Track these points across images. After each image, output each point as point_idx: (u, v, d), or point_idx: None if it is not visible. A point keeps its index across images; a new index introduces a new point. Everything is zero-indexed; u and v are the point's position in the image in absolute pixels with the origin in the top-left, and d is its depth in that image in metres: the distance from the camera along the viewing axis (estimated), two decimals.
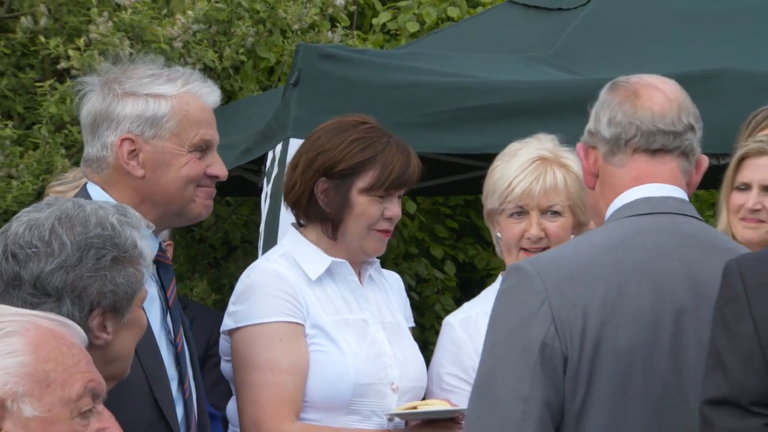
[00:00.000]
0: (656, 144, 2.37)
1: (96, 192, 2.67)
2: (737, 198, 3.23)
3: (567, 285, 2.31)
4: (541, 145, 3.09)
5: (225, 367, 3.02)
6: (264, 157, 3.43)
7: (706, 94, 3.44)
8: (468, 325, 3.10)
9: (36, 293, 2.18)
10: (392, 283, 3.18)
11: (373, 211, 2.91)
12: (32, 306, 2.14)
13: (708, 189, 6.88)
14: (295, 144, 3.29)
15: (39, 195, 5.03)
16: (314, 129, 3.18)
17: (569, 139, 3.16)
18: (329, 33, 5.51)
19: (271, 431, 2.86)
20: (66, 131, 4.98)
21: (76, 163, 5.12)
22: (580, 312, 2.28)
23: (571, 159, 3.05)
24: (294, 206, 3.00)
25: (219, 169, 2.72)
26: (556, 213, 3.04)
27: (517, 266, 2.43)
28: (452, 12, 6.46)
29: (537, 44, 4.37)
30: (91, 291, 2.19)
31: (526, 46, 4.40)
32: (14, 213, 4.83)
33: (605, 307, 2.29)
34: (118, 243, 2.22)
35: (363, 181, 2.89)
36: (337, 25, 5.73)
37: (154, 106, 2.64)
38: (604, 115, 2.41)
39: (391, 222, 2.98)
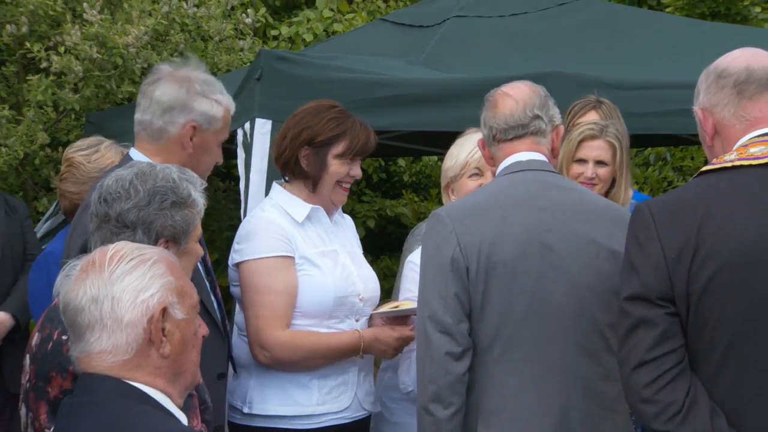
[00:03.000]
0: (510, 135, 2.76)
1: (137, 156, 3.01)
2: (576, 168, 3.56)
3: (466, 219, 2.65)
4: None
5: (234, 291, 3.27)
6: (234, 133, 3.72)
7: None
8: None
9: (118, 226, 2.42)
10: (348, 222, 3.48)
11: (342, 171, 3.23)
12: (116, 235, 2.42)
13: None
14: (260, 122, 3.68)
15: (25, 157, 5.46)
16: (273, 111, 3.64)
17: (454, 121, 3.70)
18: (241, 42, 6.07)
19: (268, 337, 3.12)
20: (43, 111, 5.40)
21: (51, 135, 5.56)
22: (476, 237, 2.62)
23: None
24: (283, 167, 3.28)
25: (221, 157, 3.14)
26: None
27: (434, 213, 2.75)
28: (337, 27, 7.09)
29: (407, 51, 4.72)
30: (156, 224, 2.42)
31: (400, 52, 4.75)
32: (4, 173, 5.24)
33: (492, 232, 2.62)
34: (177, 192, 2.47)
35: (337, 149, 3.20)
36: (245, 36, 6.24)
37: (216, 109, 3.03)
38: (482, 116, 2.87)
39: (352, 179, 3.28)
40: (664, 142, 7.06)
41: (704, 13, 8.17)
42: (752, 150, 2.25)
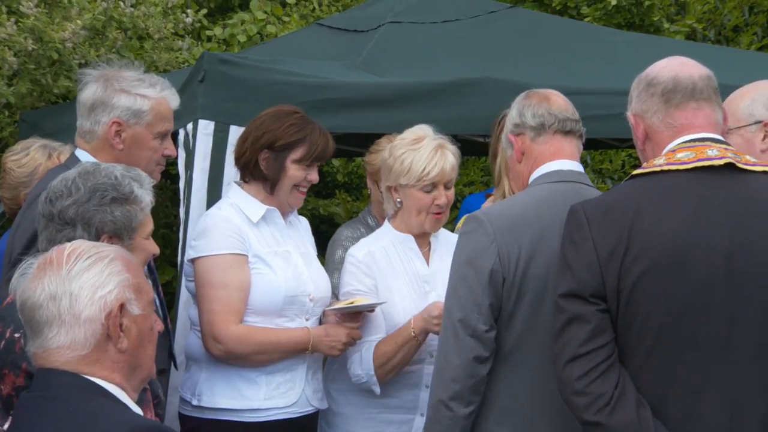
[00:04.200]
0: (567, 126, 2.73)
1: (83, 156, 3.03)
2: None
3: (507, 231, 2.60)
4: (431, 134, 3.38)
5: (189, 285, 3.31)
6: (175, 133, 3.66)
7: (475, 94, 4.01)
8: (369, 258, 3.37)
9: (60, 223, 2.46)
10: (303, 224, 3.52)
11: (299, 175, 3.25)
12: (59, 232, 2.45)
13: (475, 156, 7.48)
14: (203, 123, 3.67)
15: None
16: (216, 112, 3.66)
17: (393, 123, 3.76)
18: (180, 42, 5.99)
19: (222, 331, 3.13)
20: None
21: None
22: (516, 250, 2.58)
23: (450, 145, 3.38)
24: (243, 169, 3.30)
25: (171, 150, 3.17)
26: (450, 185, 3.37)
27: (475, 216, 2.68)
28: (270, 29, 7.05)
29: (344, 55, 4.72)
30: (95, 220, 2.45)
31: (336, 56, 4.74)
32: None
33: (531, 246, 2.59)
34: (118, 188, 2.50)
35: (295, 154, 3.24)
36: (183, 35, 6.22)
37: (141, 103, 3.03)
38: (528, 111, 2.76)
39: (309, 184, 3.30)
40: (585, 146, 7.20)
41: (620, 23, 8.40)
42: (679, 155, 2.35)
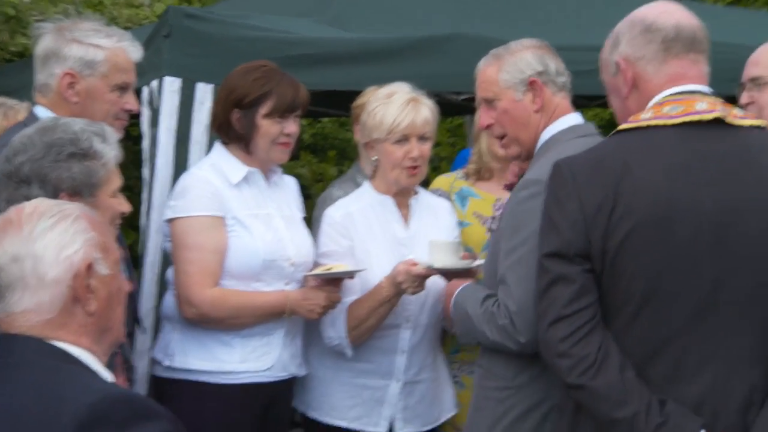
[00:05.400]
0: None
1: (42, 111, 2.93)
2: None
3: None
4: (406, 89, 3.33)
5: (166, 246, 3.25)
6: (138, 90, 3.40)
7: (448, 51, 3.93)
8: (347, 219, 3.33)
9: (17, 181, 2.39)
10: (290, 184, 3.42)
11: (274, 130, 3.16)
12: (16, 191, 2.37)
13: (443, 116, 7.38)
14: (168, 80, 3.54)
15: None
16: (182, 69, 3.52)
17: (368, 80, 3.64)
18: None
19: (196, 294, 3.09)
20: None
21: None
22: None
23: (426, 100, 3.33)
24: (218, 131, 3.24)
25: (133, 104, 3.03)
26: (426, 138, 3.31)
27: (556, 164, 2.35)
28: None
29: (310, 12, 4.60)
30: (51, 177, 2.37)
31: (302, 13, 4.60)
32: None
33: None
34: (76, 143, 2.41)
35: (264, 108, 3.14)
36: None
37: (93, 53, 2.91)
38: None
39: (289, 137, 3.19)
40: None
41: None
42: (666, 109, 2.27)
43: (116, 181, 2.50)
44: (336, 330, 3.27)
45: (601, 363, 2.17)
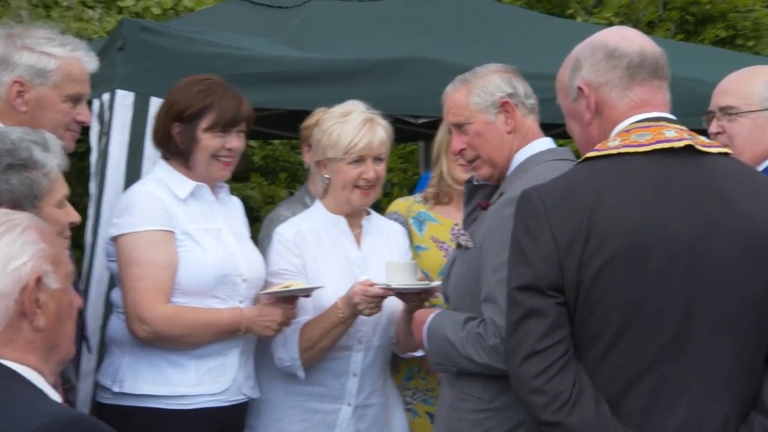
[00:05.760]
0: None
1: None
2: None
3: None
4: (362, 108, 3.31)
5: (111, 266, 3.16)
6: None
7: (409, 74, 3.95)
8: (298, 237, 3.27)
9: None
10: (236, 204, 3.38)
11: (214, 144, 3.09)
12: None
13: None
14: (121, 94, 3.47)
15: None
16: (136, 83, 3.44)
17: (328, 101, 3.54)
18: (90, 11, 5.89)
19: (148, 310, 2.99)
20: None
21: None
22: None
23: (382, 120, 3.31)
24: (158, 145, 3.16)
25: (85, 116, 2.94)
26: (381, 159, 3.29)
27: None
28: (187, 2, 6.82)
29: (268, 32, 4.54)
30: None
31: (259, 32, 4.53)
32: None
33: None
34: (14, 154, 2.33)
35: (205, 122, 3.08)
36: (94, 7, 6.06)
37: (45, 61, 2.81)
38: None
39: (231, 152, 3.12)
40: None
41: (542, 13, 8.43)
42: (634, 137, 2.23)
43: (61, 190, 2.42)
44: (288, 351, 3.20)
45: (576, 399, 2.11)
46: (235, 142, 3.15)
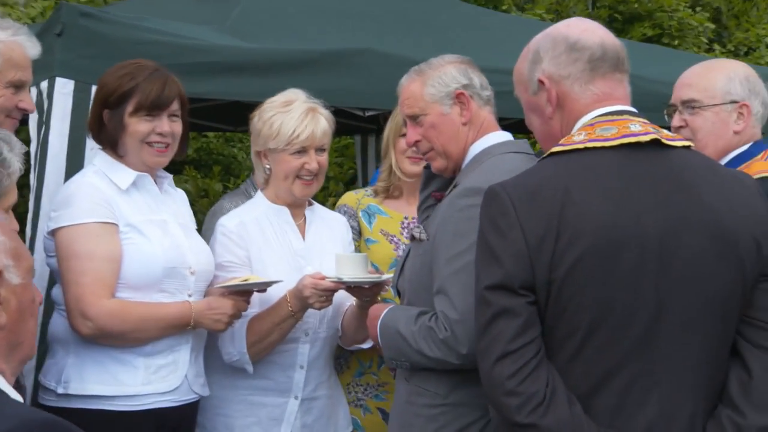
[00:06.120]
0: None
1: None
2: (403, 143, 3.43)
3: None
4: (303, 97, 3.25)
5: (50, 261, 3.01)
6: None
7: (358, 66, 3.89)
8: (241, 228, 3.21)
9: None
10: (181, 195, 3.26)
11: (143, 129, 2.97)
12: None
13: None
14: (61, 82, 3.32)
15: None
16: (76, 70, 3.29)
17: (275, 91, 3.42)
18: None
19: (91, 305, 2.85)
20: None
21: None
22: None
23: (323, 109, 3.27)
24: (92, 133, 3.04)
25: (28, 104, 2.83)
26: (323, 150, 3.24)
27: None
28: None
29: (207, 21, 4.39)
30: None
31: (198, 21, 4.36)
32: None
33: None
34: None
35: (130, 106, 2.96)
36: None
37: None
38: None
39: (162, 136, 3.00)
40: None
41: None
42: (599, 131, 2.19)
43: (13, 195, 2.34)
44: (236, 345, 3.13)
45: (550, 399, 2.07)
46: (166, 126, 3.02)
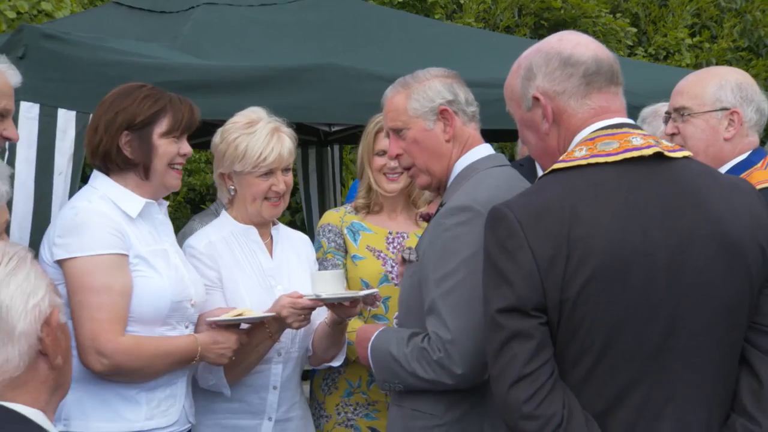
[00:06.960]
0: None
1: None
2: (378, 161, 3.54)
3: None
4: (266, 117, 3.22)
5: None
6: None
7: (316, 81, 3.89)
8: (210, 248, 3.19)
9: None
10: (168, 220, 3.13)
11: (172, 150, 2.92)
12: None
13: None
14: (26, 106, 3.26)
15: None
16: (41, 94, 3.24)
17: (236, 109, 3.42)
18: None
19: (108, 341, 2.77)
20: None
21: None
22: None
23: (285, 127, 3.25)
24: (103, 161, 2.91)
25: (12, 132, 2.77)
26: (288, 169, 3.23)
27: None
28: (45, 6, 6.46)
29: (154, 38, 4.39)
30: None
31: (144, 38, 4.36)
32: None
33: None
34: None
35: (160, 127, 2.91)
36: None
37: None
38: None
39: (184, 158, 2.96)
40: None
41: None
42: (601, 146, 2.19)
43: (3, 216, 2.31)
44: (212, 371, 3.08)
45: (569, 420, 2.06)
46: (187, 146, 3.00)
